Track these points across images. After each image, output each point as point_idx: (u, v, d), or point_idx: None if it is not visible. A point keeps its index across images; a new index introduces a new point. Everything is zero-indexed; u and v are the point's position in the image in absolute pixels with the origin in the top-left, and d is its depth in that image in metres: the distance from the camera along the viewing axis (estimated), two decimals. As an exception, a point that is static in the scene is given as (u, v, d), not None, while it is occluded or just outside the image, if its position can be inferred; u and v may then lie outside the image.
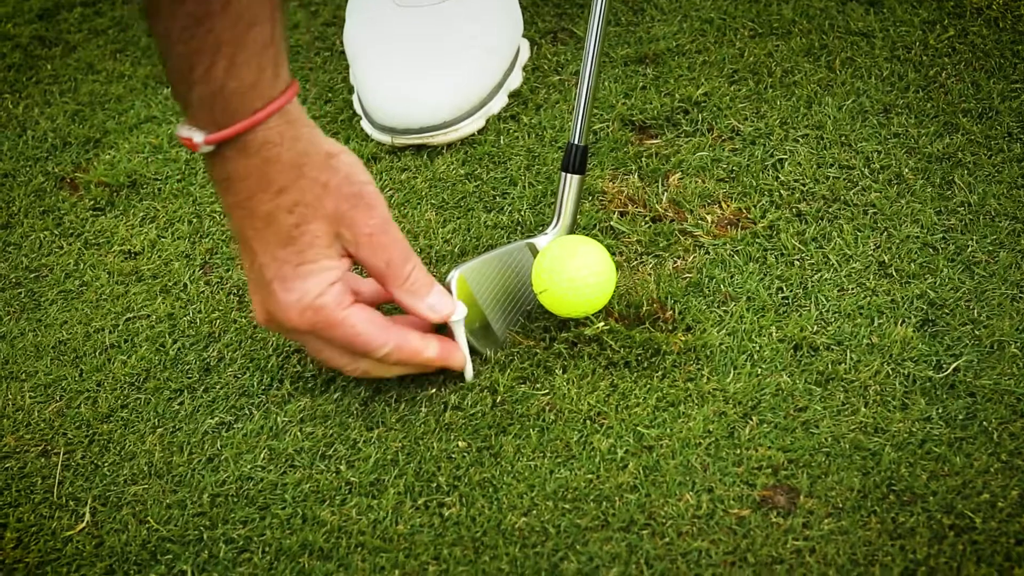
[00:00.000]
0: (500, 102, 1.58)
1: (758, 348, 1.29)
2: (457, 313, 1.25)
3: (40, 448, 1.29)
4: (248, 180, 1.12)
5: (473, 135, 1.55)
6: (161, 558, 1.18)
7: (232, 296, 1.41)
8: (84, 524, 1.22)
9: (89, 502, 1.23)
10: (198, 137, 1.10)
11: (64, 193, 1.55)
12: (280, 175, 1.12)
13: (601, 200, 1.45)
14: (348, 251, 1.18)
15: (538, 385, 1.28)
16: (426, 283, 1.22)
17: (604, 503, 1.18)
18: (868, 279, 1.34)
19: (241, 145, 1.10)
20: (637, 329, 1.30)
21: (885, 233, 1.38)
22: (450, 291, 1.26)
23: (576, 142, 1.33)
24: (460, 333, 1.27)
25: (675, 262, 1.38)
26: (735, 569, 1.12)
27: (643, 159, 1.49)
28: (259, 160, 1.11)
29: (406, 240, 1.21)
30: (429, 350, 1.23)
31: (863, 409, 1.22)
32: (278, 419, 1.28)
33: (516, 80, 1.61)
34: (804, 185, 1.44)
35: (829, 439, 1.20)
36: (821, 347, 1.28)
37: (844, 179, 1.44)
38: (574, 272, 1.27)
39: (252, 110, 1.09)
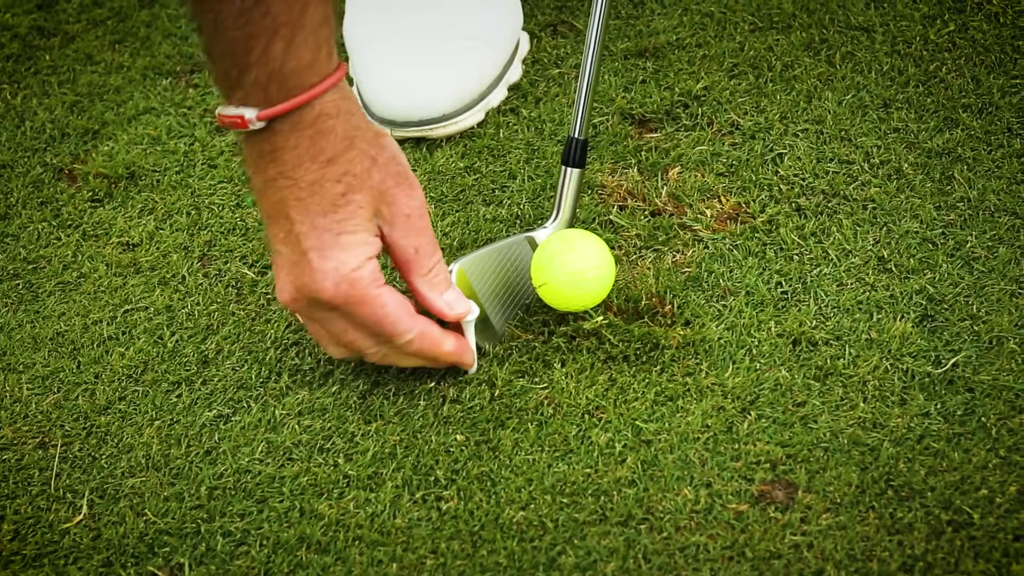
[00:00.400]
0: (499, 95, 1.58)
1: (757, 343, 1.29)
2: (470, 314, 1.25)
3: (37, 440, 1.29)
4: (297, 150, 1.12)
5: (472, 128, 1.55)
6: (158, 551, 1.18)
7: (230, 288, 1.41)
8: (81, 516, 1.22)
9: (86, 494, 1.23)
10: (250, 114, 1.09)
11: (62, 184, 1.55)
12: (331, 146, 1.12)
13: (600, 194, 1.45)
14: (382, 231, 1.18)
15: (536, 379, 1.28)
16: (446, 279, 1.23)
17: (602, 497, 1.18)
18: (867, 274, 1.34)
19: (296, 119, 1.10)
20: (636, 323, 1.30)
21: (884, 228, 1.38)
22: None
23: (576, 136, 1.33)
24: (470, 333, 1.26)
25: (674, 256, 1.38)
26: (733, 564, 1.12)
27: (642, 153, 1.49)
28: (312, 131, 1.11)
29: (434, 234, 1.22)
30: (447, 344, 1.23)
31: (861, 404, 1.22)
32: (276, 412, 1.28)
33: (516, 73, 1.60)
34: (803, 180, 1.44)
35: (827, 434, 1.20)
36: (820, 342, 1.28)
37: (844, 174, 1.44)
38: (573, 266, 1.26)
39: (310, 85, 1.09)
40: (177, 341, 1.36)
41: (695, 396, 1.25)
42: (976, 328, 1.27)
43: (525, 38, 1.65)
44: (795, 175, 1.44)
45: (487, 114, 1.56)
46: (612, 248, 1.37)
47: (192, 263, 1.44)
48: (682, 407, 1.24)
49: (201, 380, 1.32)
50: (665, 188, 1.44)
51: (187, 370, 1.33)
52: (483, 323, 1.30)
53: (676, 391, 1.25)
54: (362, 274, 1.16)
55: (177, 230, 1.48)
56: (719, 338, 1.29)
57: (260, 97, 1.09)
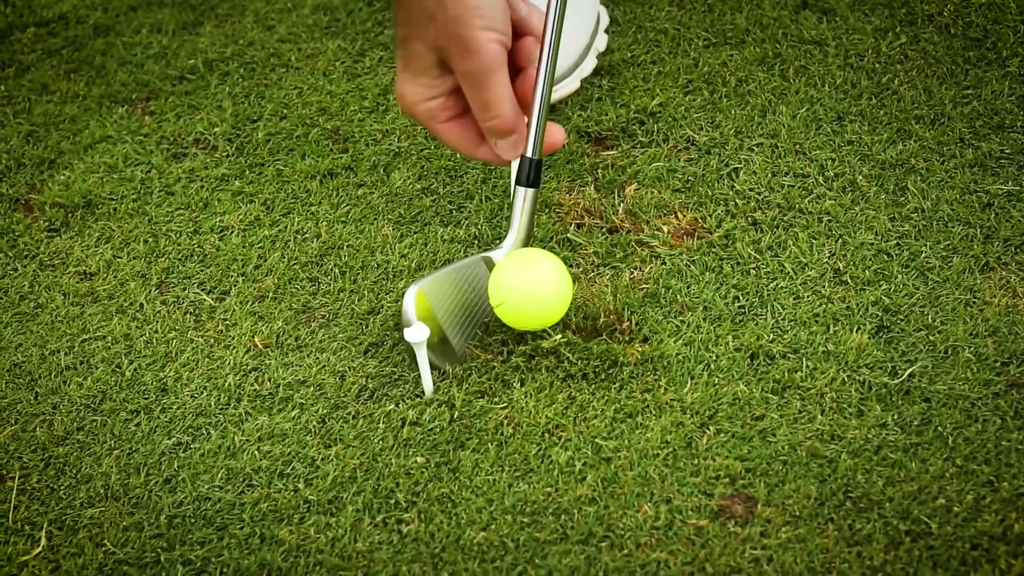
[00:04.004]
0: (590, 64, 1.61)
1: (715, 357, 1.29)
2: (419, 335, 1.25)
3: (-5, 473, 1.28)
4: None
5: (569, 97, 1.57)
6: (118, 581, 1.18)
7: (189, 315, 1.40)
8: (40, 548, 1.21)
9: (45, 526, 1.22)
10: None
11: (19, 215, 1.54)
12: None
13: (558, 212, 1.45)
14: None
15: (496, 399, 1.28)
16: (505, 131, 1.27)
17: (563, 516, 1.18)
18: (823, 287, 1.34)
19: None
20: (594, 341, 1.30)
21: (840, 240, 1.39)
22: (408, 307, 1.26)
23: (530, 155, 1.33)
24: (422, 355, 1.26)
25: (632, 273, 1.38)
26: (694, 579, 1.13)
27: (599, 170, 1.49)
28: None
29: (505, 95, 1.25)
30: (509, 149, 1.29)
31: (819, 417, 1.23)
32: (236, 438, 1.27)
33: (602, 42, 1.64)
34: (759, 194, 1.44)
35: (786, 447, 1.21)
36: (777, 355, 1.28)
37: (799, 187, 1.45)
38: (530, 285, 1.27)
39: None
40: (135, 369, 1.35)
41: (654, 412, 1.25)
42: (932, 338, 1.28)
43: (603, 10, 1.66)
44: (751, 189, 1.45)
45: (581, 83, 1.59)
46: (570, 266, 1.38)
47: (150, 290, 1.43)
48: (641, 423, 1.24)
49: (160, 408, 1.31)
50: (622, 205, 1.45)
51: (146, 398, 1.32)
52: (442, 344, 1.30)
53: (635, 408, 1.26)
54: (419, 110, 1.27)
55: (134, 258, 1.47)
56: (677, 354, 1.29)
57: None
